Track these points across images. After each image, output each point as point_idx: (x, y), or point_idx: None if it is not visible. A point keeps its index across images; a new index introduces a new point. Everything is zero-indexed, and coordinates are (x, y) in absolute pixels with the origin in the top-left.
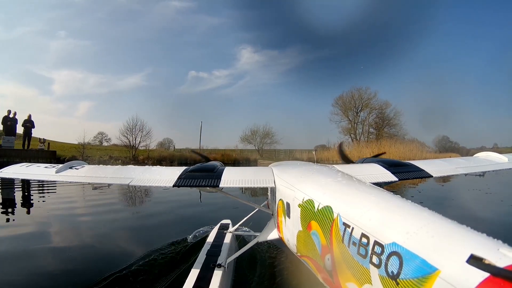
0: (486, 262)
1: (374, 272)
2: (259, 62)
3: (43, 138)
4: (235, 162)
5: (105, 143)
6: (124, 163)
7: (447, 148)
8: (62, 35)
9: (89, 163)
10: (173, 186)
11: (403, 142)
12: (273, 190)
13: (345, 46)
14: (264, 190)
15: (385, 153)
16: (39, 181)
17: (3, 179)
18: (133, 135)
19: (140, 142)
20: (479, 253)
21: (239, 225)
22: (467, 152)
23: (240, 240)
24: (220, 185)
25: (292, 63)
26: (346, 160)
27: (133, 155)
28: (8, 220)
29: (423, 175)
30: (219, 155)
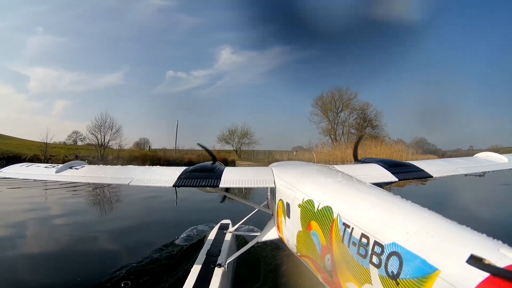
0: (486, 262)
1: (374, 272)
2: (238, 62)
3: None
4: None
5: (79, 143)
6: (91, 163)
7: (424, 150)
8: (40, 31)
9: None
10: (173, 186)
11: (388, 143)
12: (273, 190)
13: (329, 47)
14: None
15: (363, 135)
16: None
17: None
18: (102, 133)
19: (109, 140)
20: (479, 253)
21: (239, 225)
22: (443, 154)
23: (240, 240)
24: (220, 185)
25: (272, 64)
26: (355, 158)
27: (101, 154)
28: None
29: (423, 175)
30: (196, 155)
